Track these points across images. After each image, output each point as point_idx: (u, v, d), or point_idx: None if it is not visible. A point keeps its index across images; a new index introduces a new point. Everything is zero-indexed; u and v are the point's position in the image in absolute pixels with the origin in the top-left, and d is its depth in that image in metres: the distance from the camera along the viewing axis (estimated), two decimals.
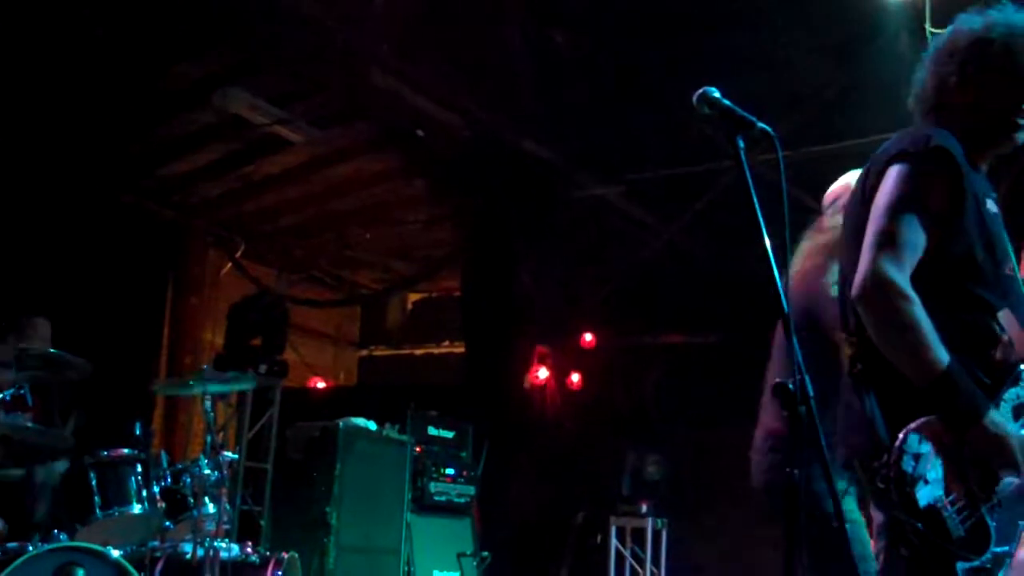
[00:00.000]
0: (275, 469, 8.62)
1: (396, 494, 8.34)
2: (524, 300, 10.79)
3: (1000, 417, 2.80)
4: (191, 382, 6.39)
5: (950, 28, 3.24)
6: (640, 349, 11.64)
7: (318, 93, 8.79)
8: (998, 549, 2.77)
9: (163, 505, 5.90)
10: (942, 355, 2.76)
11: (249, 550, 6.17)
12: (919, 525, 2.70)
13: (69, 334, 7.09)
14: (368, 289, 13.82)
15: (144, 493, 5.83)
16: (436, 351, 14.45)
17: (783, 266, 2.55)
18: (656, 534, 10.17)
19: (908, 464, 2.71)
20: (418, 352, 14.68)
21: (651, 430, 10.98)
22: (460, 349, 12.89)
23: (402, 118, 8.94)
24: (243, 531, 7.87)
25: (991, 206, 3.09)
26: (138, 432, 6.24)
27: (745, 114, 2.73)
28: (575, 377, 11.59)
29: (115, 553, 5.28)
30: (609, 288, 11.25)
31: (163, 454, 6.25)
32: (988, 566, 2.75)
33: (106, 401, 8.17)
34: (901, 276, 2.82)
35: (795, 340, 2.48)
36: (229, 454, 6.23)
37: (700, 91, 2.77)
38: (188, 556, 5.72)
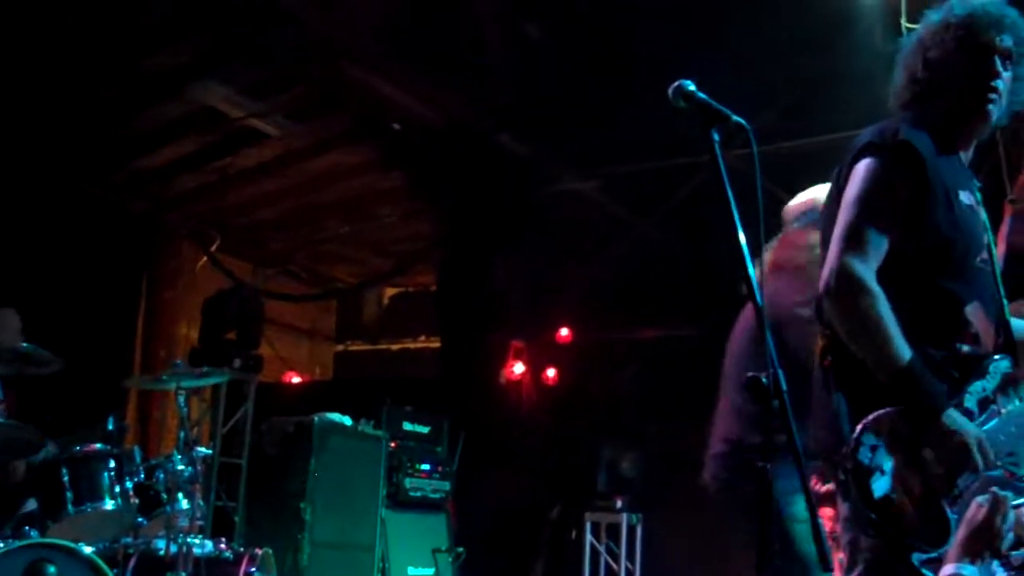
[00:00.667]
0: (249, 465, 8.56)
1: (371, 490, 8.32)
2: (500, 295, 10.79)
3: (959, 415, 2.83)
4: (165, 377, 6.35)
5: (924, 20, 3.26)
6: (616, 344, 11.63)
7: (294, 86, 8.75)
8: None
9: (136, 501, 5.87)
10: (904, 351, 2.80)
11: (223, 546, 6.15)
12: (873, 515, 2.73)
13: (42, 329, 7.02)
14: (344, 283, 13.79)
15: (117, 489, 5.80)
16: (412, 346, 14.42)
17: (757, 260, 2.54)
18: (631, 529, 10.17)
19: (865, 455, 2.75)
20: (394, 347, 14.65)
21: (626, 425, 10.97)
22: (436, 344, 12.88)
23: (378, 112, 8.92)
24: (217, 527, 7.82)
25: (965, 197, 3.10)
26: (111, 427, 6.20)
27: (720, 107, 2.73)
28: (551, 372, 11.59)
29: (87, 550, 5.25)
30: (585, 283, 11.23)
31: (136, 450, 6.20)
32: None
33: (79, 396, 8.12)
34: (866, 271, 2.86)
35: (768, 334, 2.48)
36: (203, 449, 6.21)
37: (675, 84, 2.77)
38: (161, 552, 5.69)
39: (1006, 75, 3.15)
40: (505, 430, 10.78)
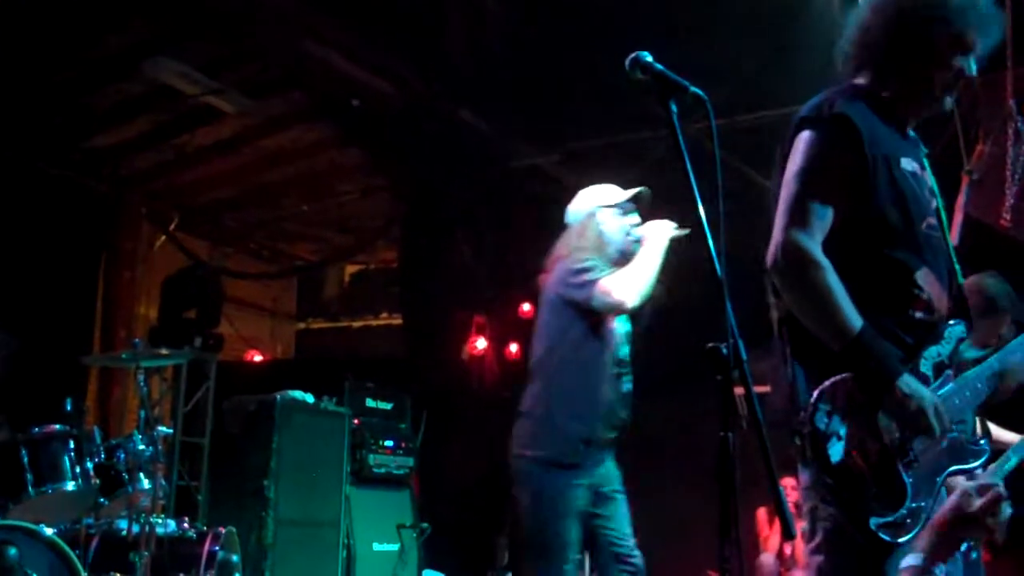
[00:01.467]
0: (212, 443, 8.55)
1: (335, 467, 8.32)
2: (461, 270, 10.78)
3: (914, 380, 2.85)
4: (124, 356, 6.31)
5: None
6: None
7: (250, 62, 8.68)
8: (914, 504, 2.82)
9: (97, 481, 5.83)
10: (854, 320, 2.82)
11: (186, 525, 6.15)
12: (830, 480, 2.77)
13: None
14: (304, 261, 13.72)
15: (77, 470, 5.75)
16: (374, 323, 14.38)
17: (717, 231, 2.55)
18: None
19: (821, 421, 2.79)
20: (356, 324, 14.61)
21: None
22: (398, 321, 12.86)
23: (337, 87, 8.86)
24: (179, 506, 7.82)
25: (907, 164, 3.10)
26: (70, 408, 6.16)
27: (678, 79, 2.73)
28: (513, 347, 11.58)
29: (48, 531, 5.22)
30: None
31: (96, 430, 6.16)
32: (905, 521, 2.80)
33: (38, 377, 8.05)
34: (811, 243, 2.88)
35: (729, 305, 2.49)
36: (164, 429, 6.17)
37: (632, 56, 2.77)
38: (123, 533, 5.68)
39: (963, 65, 3.13)
40: (468, 405, 10.79)
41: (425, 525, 9.08)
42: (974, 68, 3.16)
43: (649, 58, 2.78)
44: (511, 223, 11.03)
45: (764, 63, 8.10)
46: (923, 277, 3.03)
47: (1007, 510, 2.65)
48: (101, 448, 5.97)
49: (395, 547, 8.77)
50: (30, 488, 5.59)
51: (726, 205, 2.60)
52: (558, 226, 5.20)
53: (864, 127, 2.99)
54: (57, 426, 5.82)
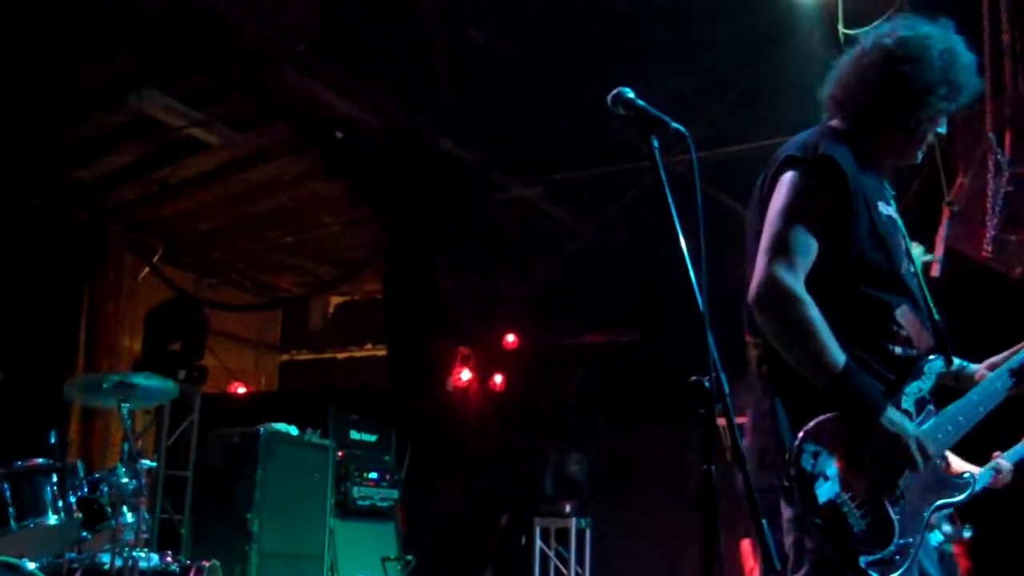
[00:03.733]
0: (195, 476, 8.51)
1: (319, 499, 8.29)
2: (446, 302, 10.79)
3: (898, 415, 2.88)
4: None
5: (866, 35, 3.27)
6: (562, 349, 11.68)
7: (234, 94, 8.70)
8: (902, 541, 2.83)
9: (80, 515, 5.78)
10: (838, 356, 2.84)
11: (169, 559, 6.10)
12: (818, 521, 2.77)
13: None
14: (289, 293, 13.72)
15: (60, 503, 5.71)
16: (358, 354, 14.38)
17: (698, 264, 2.58)
18: (580, 534, 10.19)
19: (807, 462, 2.79)
20: (340, 356, 14.61)
21: (574, 430, 11.02)
22: (382, 352, 12.85)
23: (320, 120, 8.89)
24: (163, 540, 7.77)
25: (884, 208, 3.16)
26: (53, 441, 6.11)
27: (659, 114, 2.78)
28: (498, 378, 11.59)
29: (31, 565, 5.18)
30: (530, 288, 11.27)
31: (79, 463, 6.11)
32: (894, 558, 2.81)
33: (20, 410, 8.02)
34: (795, 280, 2.89)
35: (711, 338, 2.51)
36: (147, 462, 6.13)
37: (614, 92, 2.83)
38: (107, 567, 5.63)
39: (939, 127, 3.21)
40: (453, 437, 10.78)
41: (410, 557, 9.04)
42: (945, 128, 3.27)
43: (631, 94, 2.83)
44: (495, 254, 11.06)
45: (746, 97, 8.18)
46: (903, 315, 3.07)
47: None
48: (84, 481, 5.93)
49: None
50: (12, 522, 5.54)
51: (706, 235, 2.62)
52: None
53: (848, 170, 3.02)
54: (40, 459, 5.77)
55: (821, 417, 2.83)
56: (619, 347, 11.09)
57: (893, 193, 3.31)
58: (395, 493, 9.22)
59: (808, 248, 2.94)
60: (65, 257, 10.36)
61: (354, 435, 9.11)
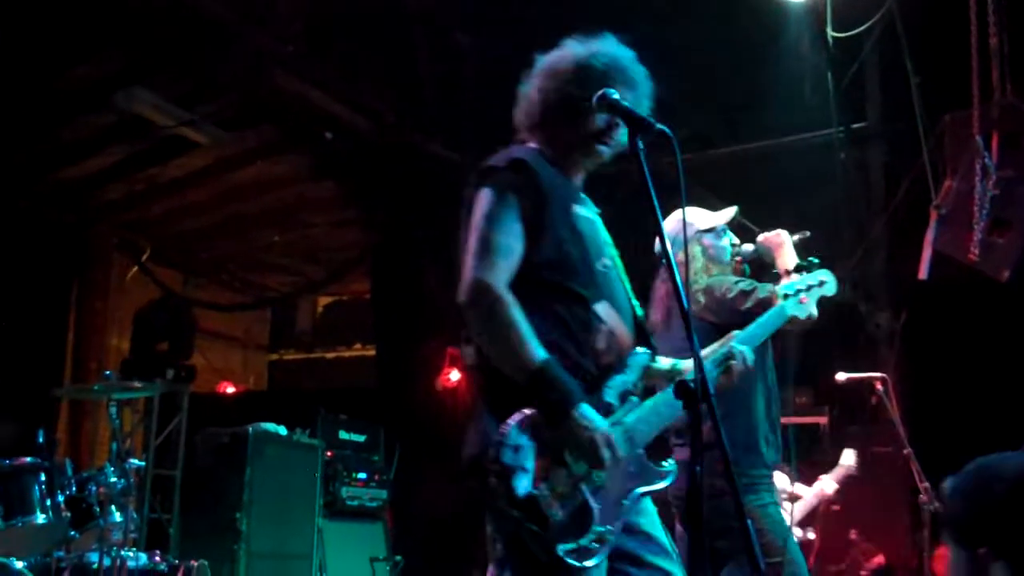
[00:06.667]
0: (184, 476, 8.51)
1: (307, 499, 8.29)
2: (434, 302, 10.79)
3: (590, 411, 2.91)
4: (96, 388, 6.29)
5: (558, 49, 3.45)
6: None
7: (223, 94, 8.70)
8: (600, 528, 2.89)
9: (68, 514, 5.79)
10: (537, 352, 2.91)
11: (157, 559, 6.12)
12: (516, 513, 2.82)
13: None
14: (277, 292, 13.71)
15: (48, 502, 5.72)
16: (347, 354, 14.38)
17: (684, 265, 2.61)
18: None
19: (508, 456, 2.84)
20: (329, 356, 14.61)
21: None
22: (371, 352, 12.85)
23: (309, 120, 8.90)
24: (151, 540, 7.77)
25: (580, 209, 3.28)
26: (41, 440, 6.12)
27: (644, 116, 2.82)
28: None
29: (19, 564, 5.21)
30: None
31: (67, 462, 6.11)
32: (592, 545, 2.86)
33: (8, 409, 8.02)
34: (496, 281, 2.99)
35: (695, 338, 2.53)
36: (136, 461, 6.15)
37: (599, 93, 2.92)
38: (95, 566, 5.64)
39: (615, 126, 3.26)
40: (442, 437, 10.76)
41: (399, 558, 9.05)
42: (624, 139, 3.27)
43: (615, 95, 2.89)
44: None
45: (735, 99, 8.20)
46: (603, 310, 3.16)
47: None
48: (72, 481, 5.93)
49: None
50: (0, 521, 5.56)
51: None
52: None
53: (540, 169, 3.18)
54: (28, 458, 5.78)
55: (521, 413, 2.90)
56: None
57: (598, 210, 3.44)
58: (384, 493, 9.22)
59: (510, 251, 3.06)
60: (53, 257, 10.36)
61: (343, 435, 9.11)
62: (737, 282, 4.59)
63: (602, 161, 3.38)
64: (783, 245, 4.71)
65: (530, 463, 2.85)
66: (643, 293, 3.84)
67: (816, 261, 3.77)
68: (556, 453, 2.89)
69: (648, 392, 3.21)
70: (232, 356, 13.82)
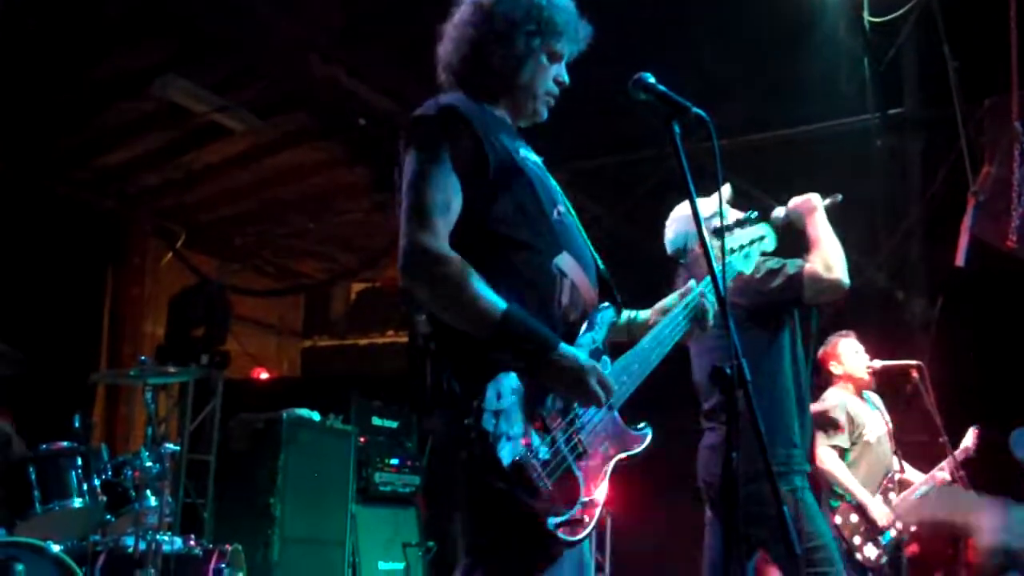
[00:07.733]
0: (218, 461, 8.55)
1: (340, 485, 8.32)
2: None
3: (571, 349, 2.73)
4: (132, 373, 6.33)
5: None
6: None
7: (259, 81, 8.73)
8: (587, 498, 2.74)
9: (104, 498, 5.85)
10: (497, 303, 2.70)
11: (192, 543, 6.15)
12: (503, 484, 2.58)
13: (7, 327, 7.00)
14: (311, 279, 13.74)
15: (84, 487, 5.77)
16: (380, 341, 14.39)
17: (720, 252, 2.57)
18: (600, 520, 10.14)
19: (489, 422, 2.59)
20: (362, 342, 14.62)
21: None
22: (404, 339, 12.87)
23: (343, 107, 8.90)
24: (186, 524, 7.82)
25: (527, 153, 3.07)
26: (77, 425, 6.18)
27: (680, 99, 2.77)
28: None
29: (55, 548, 5.24)
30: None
31: (103, 447, 6.18)
32: (582, 517, 2.72)
33: (45, 394, 8.08)
34: (435, 241, 2.74)
35: (732, 323, 2.51)
36: (171, 446, 6.19)
37: (635, 77, 2.84)
38: (130, 550, 5.68)
39: (555, 71, 3.17)
40: None
41: (431, 544, 9.06)
42: (566, 76, 3.23)
43: (651, 79, 2.83)
44: None
45: (769, 86, 8.14)
46: (564, 262, 2.95)
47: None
48: (108, 465, 5.99)
49: (401, 566, 8.77)
50: (37, 505, 5.61)
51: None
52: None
53: (471, 113, 2.94)
54: (65, 443, 5.84)
55: (497, 378, 2.66)
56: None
57: (541, 158, 3.20)
58: (416, 479, 9.23)
59: (447, 207, 2.81)
60: (89, 243, 10.43)
61: (376, 421, 9.12)
62: (765, 261, 4.45)
63: (536, 120, 3.23)
64: (815, 210, 4.61)
65: (514, 428, 2.62)
66: (647, 286, 3.71)
67: (755, 215, 3.63)
68: (539, 416, 2.70)
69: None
70: (266, 342, 13.87)
